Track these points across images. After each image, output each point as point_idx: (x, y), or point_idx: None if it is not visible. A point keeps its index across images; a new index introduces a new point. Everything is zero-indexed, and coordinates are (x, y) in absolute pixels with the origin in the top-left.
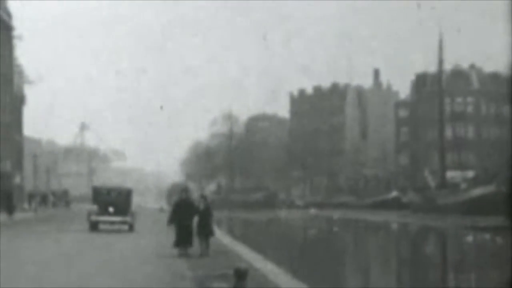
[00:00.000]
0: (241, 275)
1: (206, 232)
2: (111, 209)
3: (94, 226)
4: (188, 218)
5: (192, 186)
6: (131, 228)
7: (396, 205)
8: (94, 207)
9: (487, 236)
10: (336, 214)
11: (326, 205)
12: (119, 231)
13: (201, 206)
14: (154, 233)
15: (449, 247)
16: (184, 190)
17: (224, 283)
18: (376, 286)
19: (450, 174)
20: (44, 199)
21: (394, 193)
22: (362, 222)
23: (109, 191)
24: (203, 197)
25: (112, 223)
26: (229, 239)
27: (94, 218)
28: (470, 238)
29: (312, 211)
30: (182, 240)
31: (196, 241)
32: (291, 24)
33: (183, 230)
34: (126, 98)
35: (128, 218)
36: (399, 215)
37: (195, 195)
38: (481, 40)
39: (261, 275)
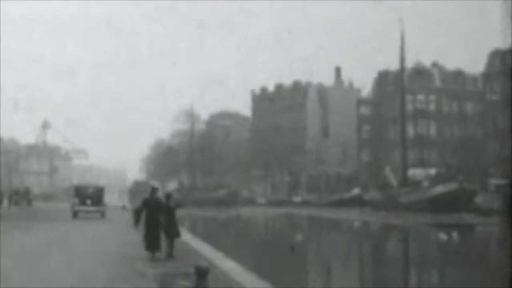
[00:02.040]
0: (202, 273)
1: (174, 233)
2: (88, 201)
3: (75, 214)
4: (157, 218)
5: (154, 184)
6: (102, 215)
7: (357, 203)
8: (76, 200)
9: (455, 233)
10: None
11: (288, 203)
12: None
13: (172, 205)
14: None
15: (417, 245)
16: (154, 189)
17: (186, 282)
18: (334, 283)
19: (412, 172)
20: (9, 197)
21: (355, 191)
22: (324, 220)
23: (86, 188)
24: (169, 195)
25: (89, 212)
26: (190, 236)
27: (76, 208)
28: (443, 237)
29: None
30: (152, 244)
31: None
32: (251, 22)
33: (153, 232)
34: (88, 97)
35: (101, 208)
36: (360, 212)
37: (160, 193)
38: (444, 38)
39: (222, 273)
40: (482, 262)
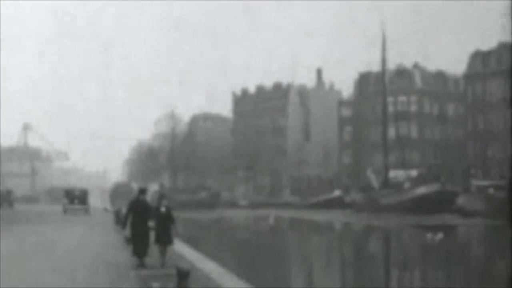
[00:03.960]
0: (183, 275)
1: (166, 239)
2: (76, 201)
3: (65, 211)
4: (144, 221)
5: (135, 186)
6: (87, 212)
7: (339, 204)
8: (66, 200)
9: (440, 234)
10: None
11: (270, 205)
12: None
13: (163, 209)
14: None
15: (400, 247)
16: (142, 190)
17: (167, 283)
18: (314, 283)
19: (394, 173)
20: None
21: (337, 193)
22: (306, 221)
23: (74, 190)
24: (163, 197)
25: (76, 209)
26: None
27: (66, 206)
28: (434, 237)
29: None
30: (140, 249)
31: (151, 249)
32: (232, 24)
33: (140, 235)
34: (69, 99)
35: (85, 206)
36: (342, 214)
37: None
38: (425, 39)
39: (204, 274)
40: (466, 263)
